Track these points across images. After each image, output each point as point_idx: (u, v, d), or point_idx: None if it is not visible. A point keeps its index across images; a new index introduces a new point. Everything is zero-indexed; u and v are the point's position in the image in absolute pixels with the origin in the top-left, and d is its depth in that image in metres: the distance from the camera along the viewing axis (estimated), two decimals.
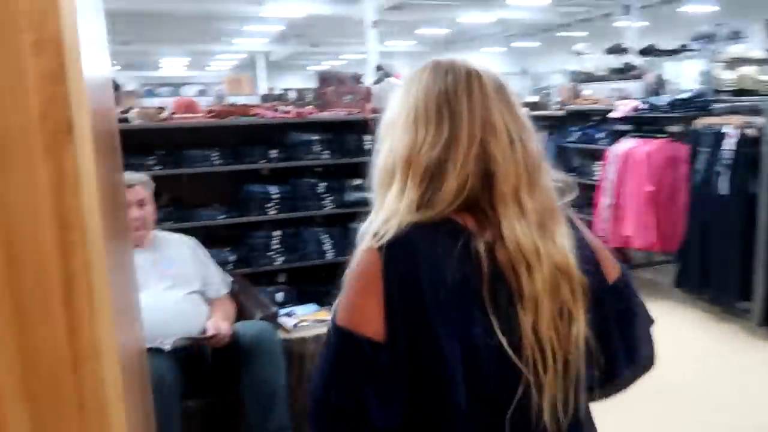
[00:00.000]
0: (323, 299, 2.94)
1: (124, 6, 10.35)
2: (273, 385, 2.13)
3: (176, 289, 2.28)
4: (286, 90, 4.42)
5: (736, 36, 7.56)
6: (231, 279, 2.54)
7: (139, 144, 3.24)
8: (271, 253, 3.35)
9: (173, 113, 3.44)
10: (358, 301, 0.81)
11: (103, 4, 0.95)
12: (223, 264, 3.17)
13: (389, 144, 0.85)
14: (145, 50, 17.31)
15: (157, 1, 11.47)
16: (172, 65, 20.70)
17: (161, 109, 3.55)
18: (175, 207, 3.25)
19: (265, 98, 4.63)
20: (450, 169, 0.80)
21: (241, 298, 2.48)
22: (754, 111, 3.69)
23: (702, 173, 3.87)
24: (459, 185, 0.80)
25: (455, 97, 0.83)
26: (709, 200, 3.82)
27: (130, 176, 2.35)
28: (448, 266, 0.77)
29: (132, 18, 12.75)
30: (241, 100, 4.59)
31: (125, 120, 3.24)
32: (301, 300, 3.32)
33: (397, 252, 0.78)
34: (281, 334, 2.49)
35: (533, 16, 13.75)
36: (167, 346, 2.04)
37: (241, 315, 2.40)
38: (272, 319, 2.34)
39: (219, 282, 2.46)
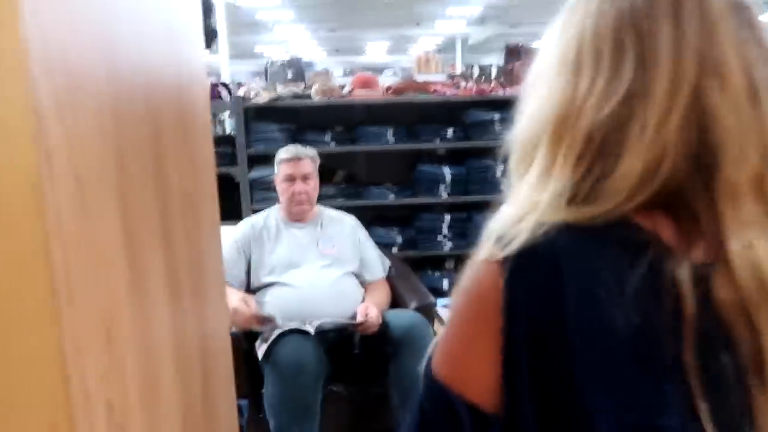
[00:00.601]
0: None
1: None
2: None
3: (333, 268, 2.21)
4: (468, 66, 4.19)
5: None
6: (389, 263, 2.41)
7: (319, 120, 3.27)
8: (440, 237, 3.17)
9: (352, 89, 3.41)
10: (460, 344, 0.52)
11: None
12: (389, 245, 3.08)
13: (534, 102, 0.55)
14: (350, 36, 18.22)
15: None
16: (375, 50, 21.57)
17: (342, 87, 3.55)
18: (348, 184, 3.23)
19: (451, 76, 4.44)
20: (632, 137, 0.48)
21: (399, 284, 2.33)
22: None
23: None
24: (648, 165, 0.48)
25: (649, 17, 0.49)
26: None
27: (297, 150, 2.33)
28: (619, 302, 0.46)
29: (338, 5, 13.44)
30: (429, 79, 4.47)
31: (308, 96, 3.28)
32: None
33: (531, 269, 0.48)
34: (437, 327, 2.30)
35: None
36: (312, 328, 1.97)
37: (397, 302, 2.25)
38: (428, 310, 2.15)
39: (377, 265, 2.34)
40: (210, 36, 1.15)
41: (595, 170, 0.49)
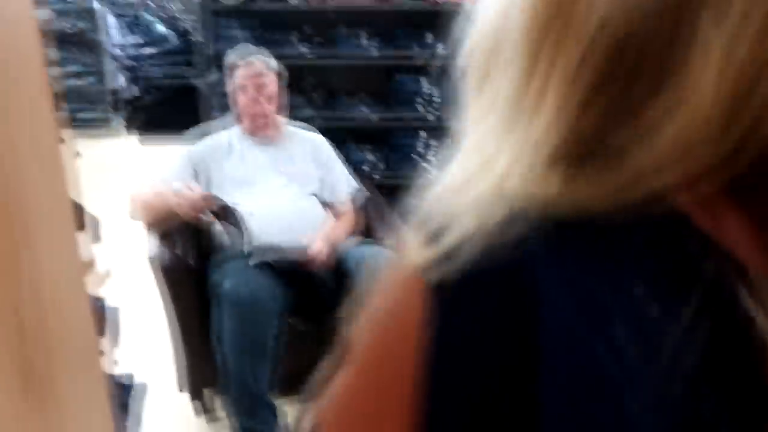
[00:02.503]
0: None
1: None
2: None
3: (292, 188, 1.99)
4: None
5: None
6: (358, 186, 2.19)
7: (289, 23, 2.93)
8: (418, 158, 2.94)
9: None
10: (357, 410, 0.31)
11: None
12: (361, 164, 2.85)
13: None
14: None
15: None
16: None
17: None
18: (320, 96, 2.95)
19: None
20: (701, 45, 0.23)
21: (368, 212, 2.13)
22: None
23: None
24: (733, 106, 0.23)
25: None
26: None
27: (249, 51, 2.04)
28: (648, 371, 0.24)
29: None
30: None
31: None
32: None
33: (479, 301, 0.26)
34: None
35: None
36: (266, 257, 1.77)
37: (365, 232, 2.06)
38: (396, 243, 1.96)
39: (343, 186, 2.12)
40: None
41: (617, 104, 0.25)
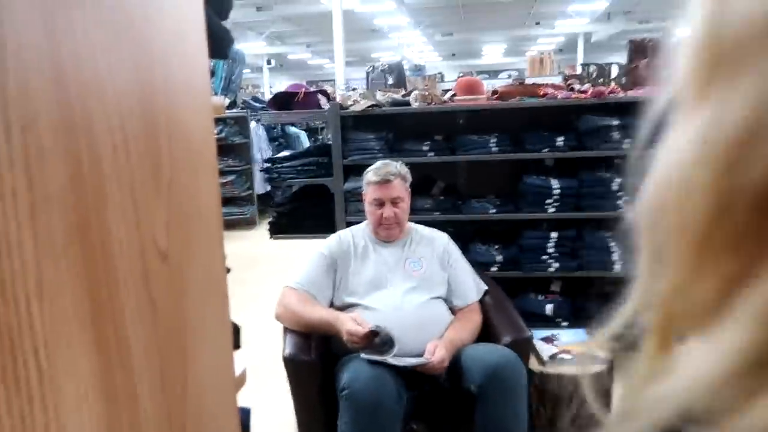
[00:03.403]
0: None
1: None
2: (509, 430, 1.70)
3: (419, 292, 2.02)
4: (584, 65, 3.80)
5: None
6: (485, 287, 2.18)
7: (418, 128, 3.09)
8: (546, 257, 2.87)
9: (454, 94, 3.19)
10: None
11: None
12: (489, 264, 2.84)
13: (699, 130, 0.25)
14: (466, 39, 17.92)
15: None
16: (492, 53, 21.08)
17: (445, 91, 3.35)
18: (447, 197, 3.02)
19: (565, 78, 4.04)
20: None
21: (492, 314, 2.09)
22: None
23: None
24: None
25: None
26: None
27: (386, 171, 2.15)
28: None
29: (452, 10, 13.21)
30: (543, 81, 4.13)
31: (407, 103, 3.12)
32: (576, 317, 2.79)
33: None
34: (534, 365, 2.03)
35: None
36: (393, 360, 1.79)
37: (489, 333, 2.02)
38: (522, 346, 1.90)
39: (468, 289, 2.11)
40: (222, 38, 1.01)
41: None
